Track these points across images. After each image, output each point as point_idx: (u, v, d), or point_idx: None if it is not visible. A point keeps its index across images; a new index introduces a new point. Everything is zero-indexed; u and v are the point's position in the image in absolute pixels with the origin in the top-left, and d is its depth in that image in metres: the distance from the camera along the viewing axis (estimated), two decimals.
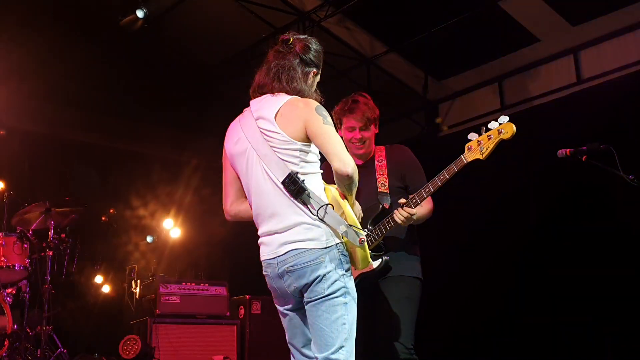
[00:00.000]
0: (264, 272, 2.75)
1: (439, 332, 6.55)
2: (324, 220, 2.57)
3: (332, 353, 2.54)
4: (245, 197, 2.82)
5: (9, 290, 5.57)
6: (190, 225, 8.40)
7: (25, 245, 5.59)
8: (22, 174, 6.77)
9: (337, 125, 3.69)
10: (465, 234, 6.84)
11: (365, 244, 2.64)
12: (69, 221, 5.88)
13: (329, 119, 2.65)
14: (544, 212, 6.38)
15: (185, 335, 6.09)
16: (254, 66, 2.90)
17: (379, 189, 3.57)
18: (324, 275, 2.55)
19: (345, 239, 2.61)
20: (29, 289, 5.68)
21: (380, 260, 3.41)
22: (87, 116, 7.47)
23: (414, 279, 3.53)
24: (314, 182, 2.64)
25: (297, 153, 2.63)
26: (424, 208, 3.43)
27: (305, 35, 2.89)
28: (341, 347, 2.54)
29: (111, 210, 8.04)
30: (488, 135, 3.10)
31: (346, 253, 2.64)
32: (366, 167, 3.68)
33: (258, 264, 2.78)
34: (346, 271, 2.61)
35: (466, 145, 3.17)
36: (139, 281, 7.28)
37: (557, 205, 6.27)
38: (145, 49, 7.14)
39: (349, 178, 2.59)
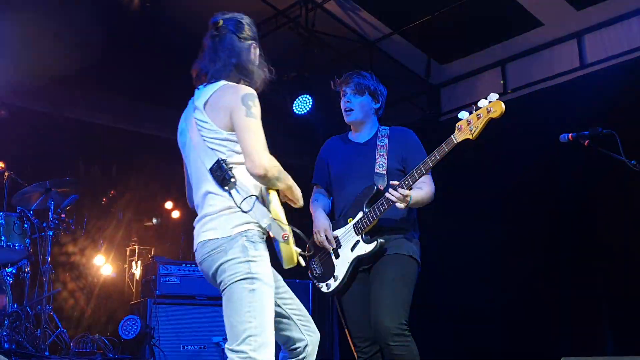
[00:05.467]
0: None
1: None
2: (247, 211, 2.52)
3: (238, 344, 2.42)
4: None
5: (10, 269, 5.59)
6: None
7: (26, 225, 5.60)
8: (22, 153, 6.74)
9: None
10: (462, 220, 6.83)
11: (290, 240, 2.54)
12: (70, 201, 5.88)
13: (255, 109, 2.55)
14: (545, 196, 6.35)
15: (185, 316, 6.11)
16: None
17: (377, 170, 3.53)
18: (225, 262, 2.49)
19: (270, 233, 2.55)
20: (29, 268, 5.70)
21: (375, 242, 3.38)
22: (89, 95, 7.43)
23: (410, 258, 3.46)
24: (243, 172, 2.57)
25: (225, 142, 2.58)
26: (422, 191, 3.39)
27: (232, 13, 2.83)
28: (248, 337, 2.41)
29: (112, 192, 8.05)
30: (477, 115, 3.08)
31: (255, 240, 2.54)
32: (367, 145, 3.66)
33: None
34: (253, 257, 2.50)
35: (456, 125, 3.14)
36: (139, 262, 7.30)
37: (558, 190, 6.25)
38: (144, 28, 7.07)
39: (262, 178, 2.50)
